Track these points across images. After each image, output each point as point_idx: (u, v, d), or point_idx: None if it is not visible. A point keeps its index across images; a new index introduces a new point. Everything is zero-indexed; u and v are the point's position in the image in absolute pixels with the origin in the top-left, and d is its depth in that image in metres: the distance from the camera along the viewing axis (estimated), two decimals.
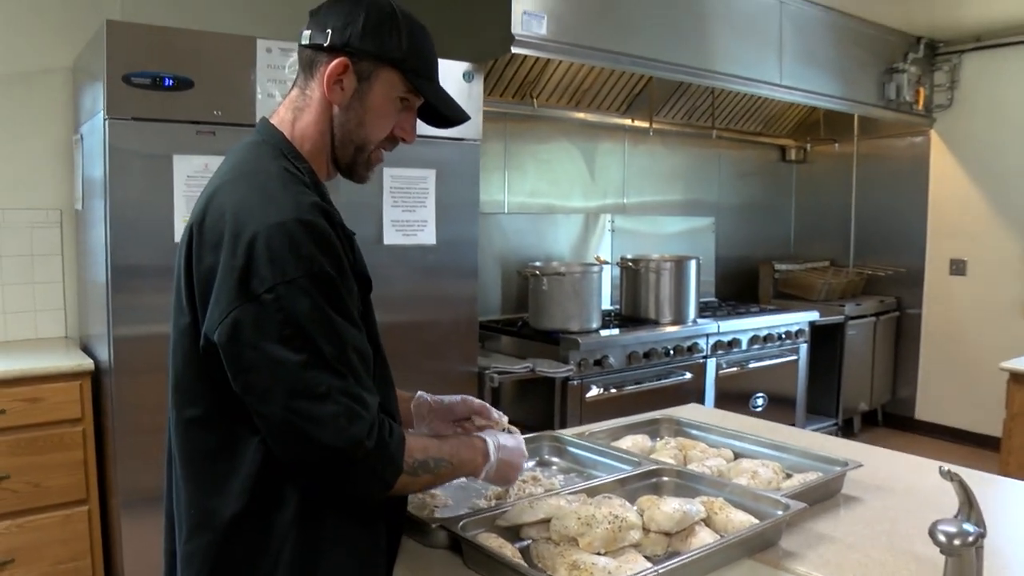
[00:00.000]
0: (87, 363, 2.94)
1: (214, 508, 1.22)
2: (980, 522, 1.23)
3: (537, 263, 4.16)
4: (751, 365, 4.57)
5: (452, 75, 3.33)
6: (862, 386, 5.59)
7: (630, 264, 4.39)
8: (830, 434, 5.11)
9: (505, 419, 1.59)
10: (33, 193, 3.40)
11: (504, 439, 1.44)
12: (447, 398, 1.59)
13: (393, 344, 3.25)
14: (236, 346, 1.10)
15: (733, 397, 4.48)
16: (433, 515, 1.52)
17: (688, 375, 4.22)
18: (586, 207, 4.93)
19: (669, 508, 1.46)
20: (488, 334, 4.16)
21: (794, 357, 4.84)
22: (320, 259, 1.11)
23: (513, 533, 1.47)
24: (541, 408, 3.84)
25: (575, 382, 3.77)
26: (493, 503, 1.63)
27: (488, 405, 1.59)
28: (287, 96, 1.32)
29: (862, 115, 5.37)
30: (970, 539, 1.14)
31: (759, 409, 4.61)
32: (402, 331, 3.31)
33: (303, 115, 1.28)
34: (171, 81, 2.66)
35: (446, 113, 1.32)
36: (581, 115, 4.64)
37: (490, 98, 4.19)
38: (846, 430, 5.59)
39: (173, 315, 1.25)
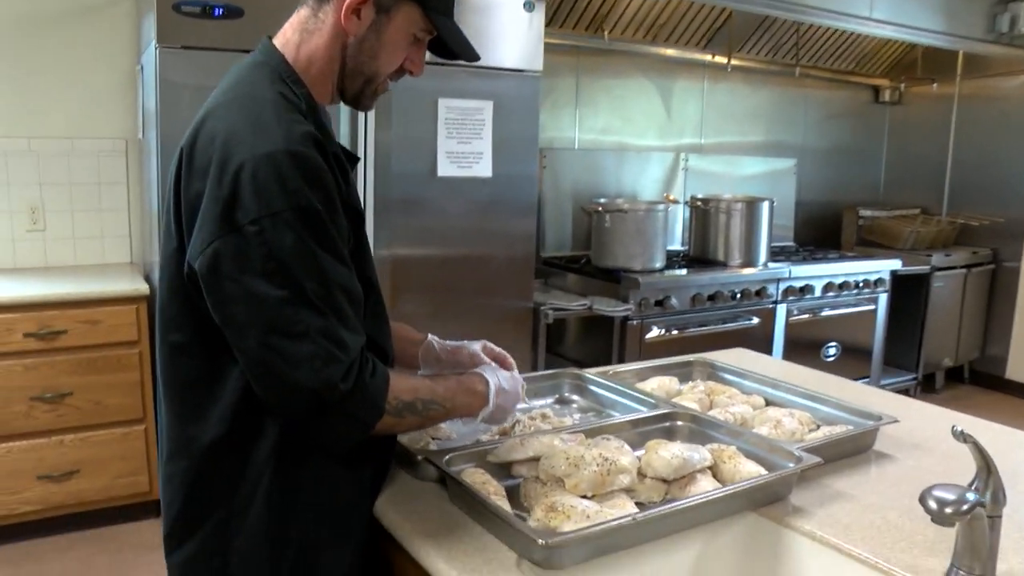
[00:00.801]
0: (143, 288, 2.99)
1: (193, 435, 1.21)
2: (999, 491, 1.09)
3: (602, 200, 4.03)
4: (824, 313, 4.35)
5: (511, 4, 3.20)
6: (947, 341, 5.28)
7: (700, 204, 4.21)
8: (908, 389, 4.88)
9: (510, 360, 1.52)
10: (100, 123, 3.46)
11: (504, 381, 1.38)
12: (457, 344, 1.53)
13: (446, 278, 3.27)
14: (216, 277, 1.07)
15: (804, 345, 4.29)
16: (428, 448, 1.47)
17: (755, 320, 4.05)
18: (661, 146, 4.74)
19: (667, 453, 1.37)
20: (552, 271, 4.08)
21: (872, 307, 4.60)
22: (308, 193, 1.06)
23: (505, 471, 1.41)
24: (599, 348, 3.76)
25: (634, 322, 3.66)
26: (497, 438, 1.56)
27: (504, 353, 1.52)
28: (295, 15, 1.26)
29: (967, 52, 4.97)
30: (964, 508, 1.00)
31: (831, 359, 4.41)
32: (456, 265, 3.26)
33: (311, 39, 1.22)
34: (221, 10, 2.63)
35: (456, 51, 1.26)
36: (657, 50, 4.43)
37: (559, 30, 4.03)
38: (926, 386, 5.31)
39: (163, 239, 1.21)
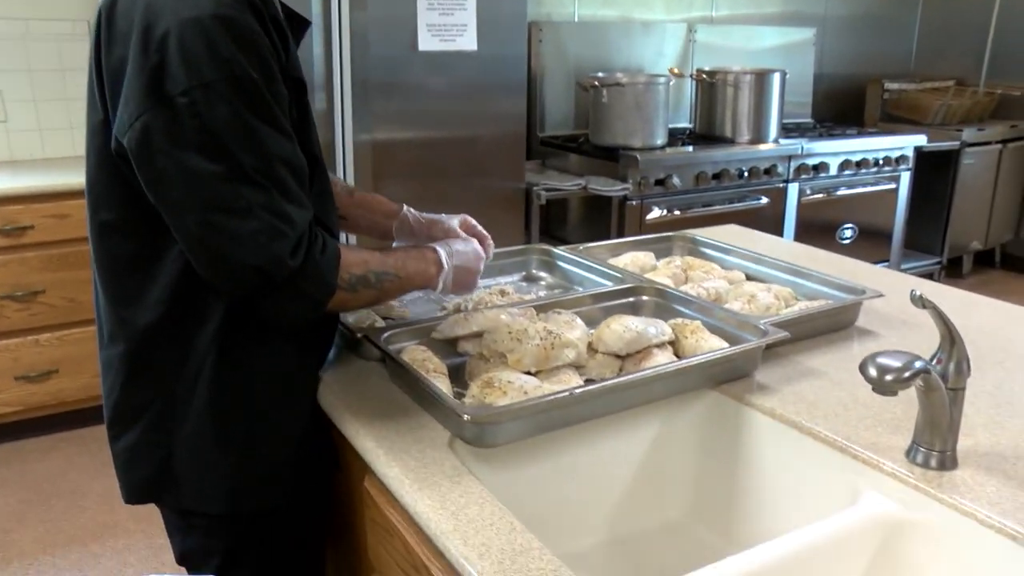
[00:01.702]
0: None
1: (129, 317, 1.18)
2: (963, 361, 1.04)
3: (600, 74, 3.89)
4: (840, 193, 4.24)
5: None
6: (976, 222, 5.14)
7: (706, 77, 4.06)
8: (931, 274, 4.80)
9: (488, 240, 1.49)
10: (58, 2, 3.33)
11: (458, 244, 1.36)
12: (434, 217, 1.50)
13: (432, 162, 3.20)
14: (147, 153, 1.03)
15: (817, 227, 4.20)
16: (375, 326, 1.44)
17: (764, 200, 3.96)
18: (668, 18, 4.56)
19: (620, 326, 1.33)
20: (550, 151, 4.00)
21: (893, 186, 4.47)
22: (241, 60, 1.02)
23: (452, 348, 1.39)
24: (597, 232, 3.70)
25: (634, 202, 3.59)
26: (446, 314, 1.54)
27: (484, 232, 1.49)
28: None
29: None
30: (907, 375, 0.95)
31: (847, 242, 4.32)
32: (441, 148, 3.20)
33: None
34: None
35: None
36: None
37: None
38: (952, 271, 5.21)
39: (87, 110, 1.16)
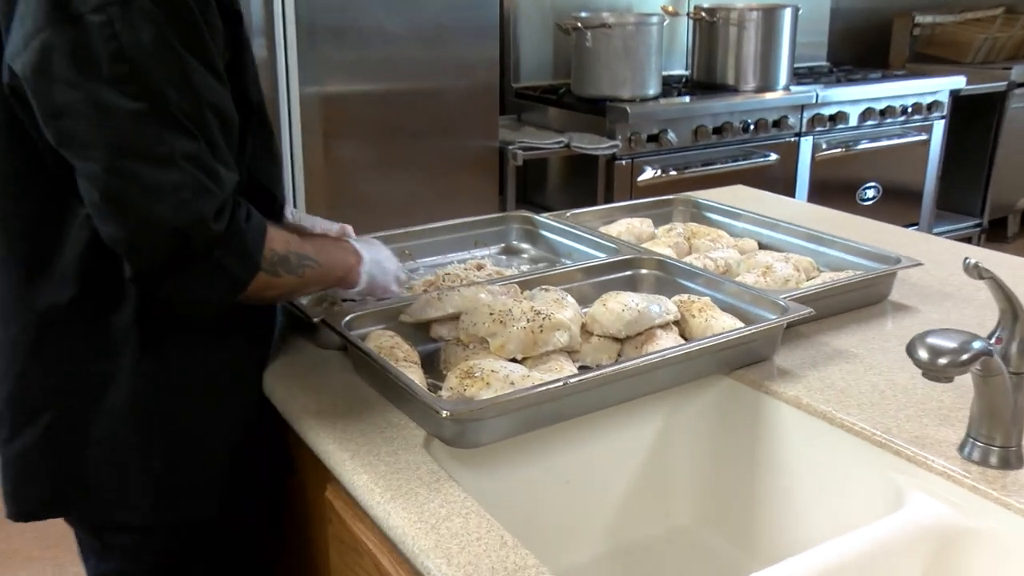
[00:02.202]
0: None
1: (28, 294, 1.15)
2: None
3: (583, 13, 3.87)
4: (861, 147, 4.25)
5: None
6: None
7: (705, 16, 4.05)
8: (969, 238, 4.83)
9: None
10: None
11: (364, 243, 1.36)
12: (311, 219, 1.48)
13: (390, 118, 3.17)
14: (46, 81, 0.97)
15: (834, 187, 4.21)
16: (331, 309, 1.43)
17: (773, 157, 3.97)
18: None
19: (618, 305, 1.33)
20: (527, 104, 3.97)
21: (924, 137, 4.47)
22: None
23: (423, 333, 1.38)
24: (583, 196, 3.68)
25: (623, 162, 3.59)
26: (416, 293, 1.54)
27: (349, 229, 1.48)
28: None
29: None
30: (965, 358, 0.93)
31: (869, 203, 4.34)
32: (402, 102, 3.16)
33: None
34: None
35: None
36: None
37: None
38: (994, 234, 5.22)
39: None
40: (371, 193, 3.13)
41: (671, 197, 2.04)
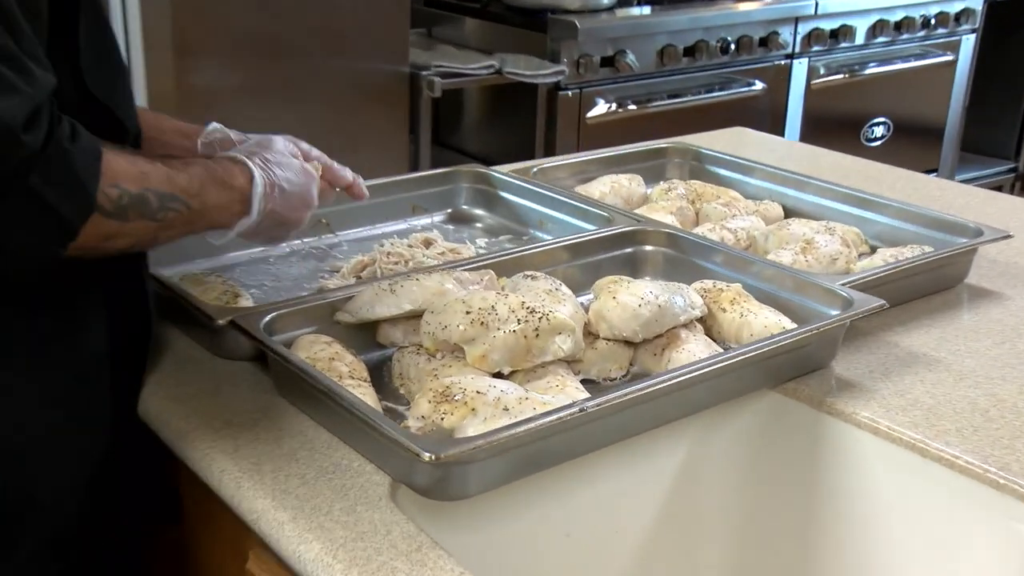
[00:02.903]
0: None
1: None
2: None
3: None
4: (870, 70, 4.29)
5: None
6: None
7: None
8: (1000, 186, 4.93)
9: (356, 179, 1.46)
10: None
11: (283, 171, 1.29)
12: (261, 138, 1.43)
13: (264, 32, 3.08)
14: None
15: (834, 123, 4.27)
16: (234, 302, 1.40)
17: (759, 85, 3.99)
18: None
19: (632, 298, 1.31)
20: (441, 16, 3.92)
21: (949, 57, 4.53)
22: None
23: (368, 335, 1.36)
24: (517, 137, 3.68)
25: (570, 92, 3.57)
26: (351, 281, 1.53)
27: (327, 159, 1.43)
28: None
29: None
30: None
31: (876, 144, 4.40)
32: (292, 16, 3.08)
33: None
34: None
35: None
36: None
37: None
38: None
39: None
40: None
41: (664, 144, 2.03)
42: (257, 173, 1.24)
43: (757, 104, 4.02)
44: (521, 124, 3.67)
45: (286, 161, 1.29)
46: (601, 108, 3.66)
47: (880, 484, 1.23)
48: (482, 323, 1.23)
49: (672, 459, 1.28)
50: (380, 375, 1.32)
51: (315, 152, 1.42)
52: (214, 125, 1.44)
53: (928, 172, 4.43)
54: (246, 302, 1.41)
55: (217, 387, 1.29)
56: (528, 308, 1.25)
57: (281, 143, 1.36)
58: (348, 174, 1.42)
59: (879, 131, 4.42)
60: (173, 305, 1.36)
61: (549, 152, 3.57)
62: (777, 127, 4.05)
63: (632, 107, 3.71)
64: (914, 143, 4.56)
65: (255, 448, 1.16)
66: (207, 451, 1.16)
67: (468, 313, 1.24)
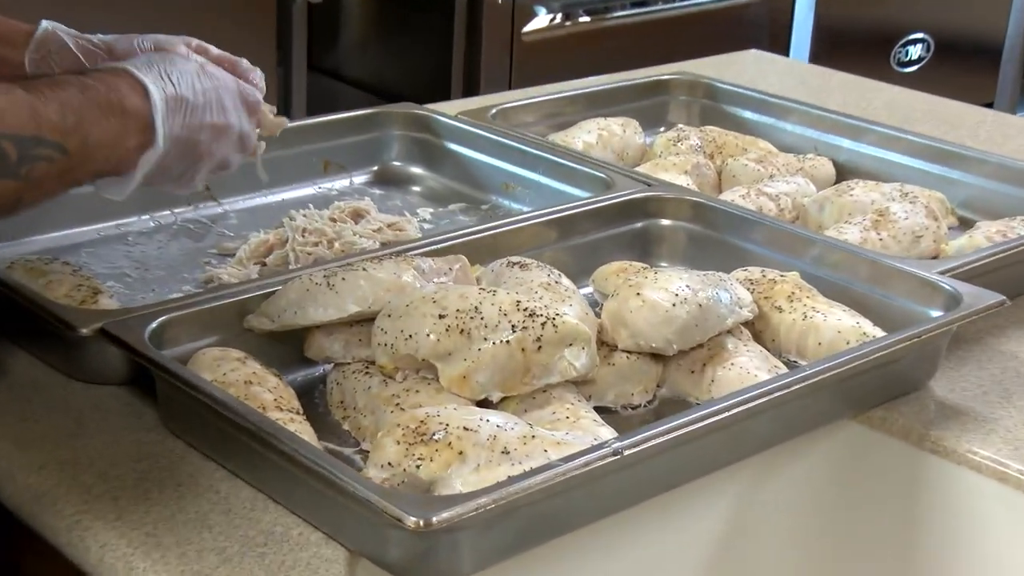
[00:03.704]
0: None
1: None
2: None
3: None
4: None
5: None
6: None
7: None
8: None
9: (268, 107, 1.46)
10: None
11: (187, 77, 1.30)
12: (111, 38, 1.43)
13: None
14: None
15: (855, 41, 4.35)
16: (94, 302, 1.39)
17: None
18: None
19: (662, 295, 1.32)
20: None
21: None
22: None
23: (293, 347, 1.36)
24: (421, 61, 3.74)
25: None
26: (253, 269, 1.54)
27: (232, 58, 1.44)
28: None
29: None
30: None
31: (912, 68, 4.48)
32: None
33: None
34: None
35: None
36: None
37: None
38: None
39: None
40: None
41: (664, 76, 2.07)
42: (150, 84, 1.23)
43: (752, 16, 4.08)
44: (430, 46, 3.71)
45: (180, 64, 1.29)
46: (542, 20, 3.69)
47: (1006, 546, 1.24)
48: (462, 331, 1.24)
49: (720, 512, 1.30)
50: (310, 403, 1.32)
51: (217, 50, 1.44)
52: (47, 24, 1.44)
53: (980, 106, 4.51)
54: (109, 301, 1.40)
55: (80, 424, 1.28)
56: (525, 310, 1.25)
57: (181, 45, 1.39)
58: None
59: (915, 52, 4.50)
60: (5, 308, 1.36)
61: (470, 83, 3.61)
62: (778, 46, 4.09)
63: (584, 19, 3.76)
64: (962, 68, 4.65)
65: (147, 512, 1.14)
66: (77, 517, 1.14)
67: (442, 317, 1.24)
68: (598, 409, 1.29)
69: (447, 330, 1.24)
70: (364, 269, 1.34)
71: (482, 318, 1.24)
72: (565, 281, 1.38)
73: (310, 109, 3.49)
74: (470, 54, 3.61)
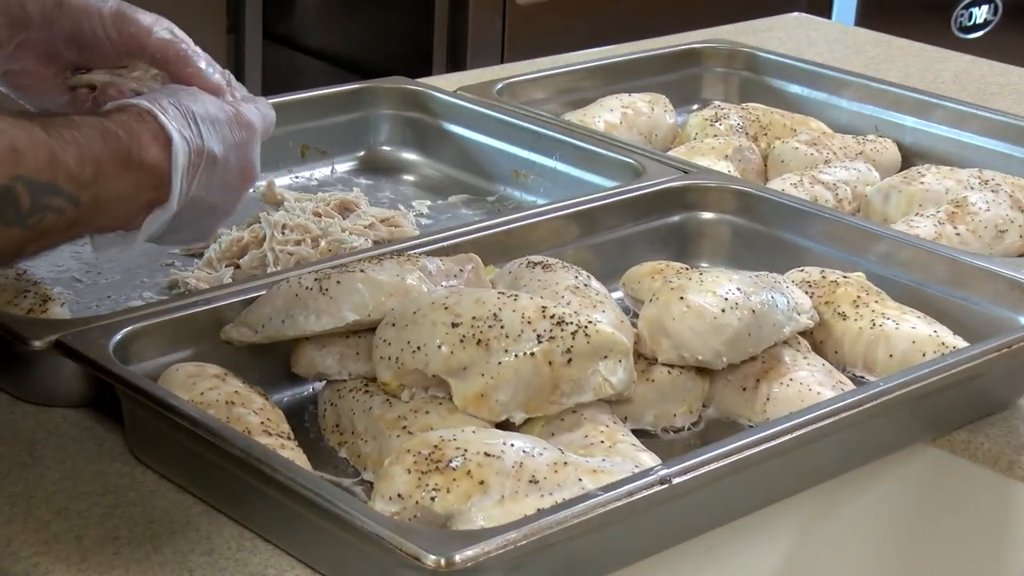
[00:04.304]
0: None
1: None
2: None
3: None
4: None
5: None
6: None
7: None
8: None
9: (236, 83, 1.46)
10: None
11: (203, 101, 1.32)
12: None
13: None
14: None
15: (909, 2, 4.39)
16: (42, 311, 1.42)
17: None
18: None
19: (709, 299, 1.34)
20: None
21: None
22: None
23: (277, 362, 1.38)
24: (399, 27, 3.76)
25: None
26: (225, 272, 1.55)
27: (192, 49, 1.44)
28: None
29: None
30: None
31: (975, 35, 4.50)
32: None
33: None
34: None
35: None
36: None
37: None
38: None
39: None
40: None
41: (696, 44, 2.10)
42: (175, 135, 1.25)
43: None
44: (403, 14, 3.73)
45: (212, 108, 1.31)
46: None
47: None
48: (479, 342, 1.25)
49: (780, 549, 1.32)
50: (300, 426, 1.33)
51: (163, 38, 1.42)
52: None
53: None
54: (61, 310, 1.42)
55: (32, 453, 1.29)
56: (553, 317, 1.27)
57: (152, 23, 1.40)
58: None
59: (980, 14, 4.53)
60: None
61: (455, 55, 3.63)
62: (819, 6, 4.10)
63: None
64: None
65: (116, 553, 1.15)
66: (35, 560, 1.15)
67: (455, 326, 1.25)
68: (635, 432, 1.30)
69: (462, 341, 1.25)
70: (362, 271, 1.35)
71: (502, 327, 1.25)
72: (595, 284, 1.39)
73: (266, 85, 3.50)
74: (455, 22, 3.62)
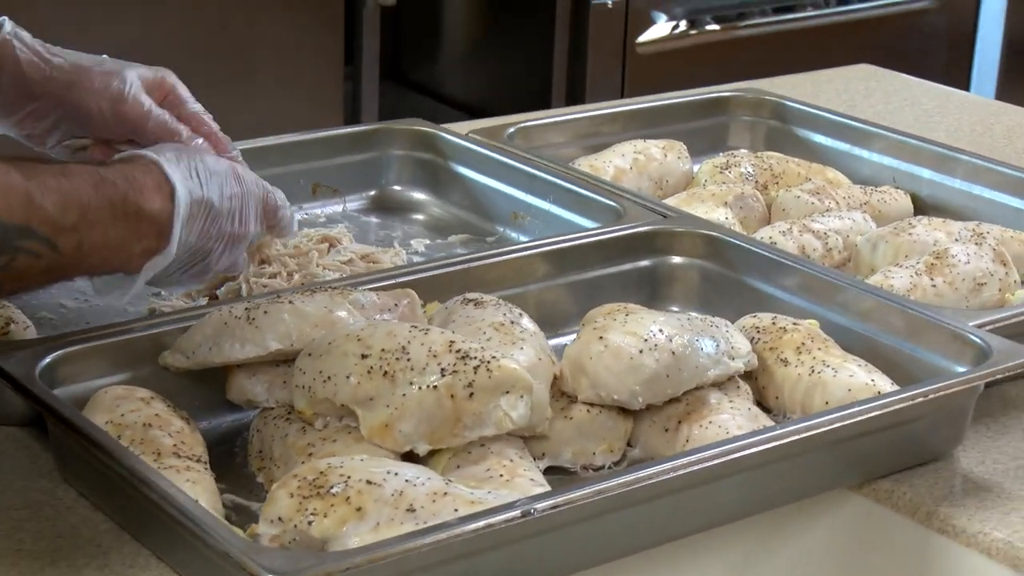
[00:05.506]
0: None
1: None
2: None
3: None
4: None
5: None
6: None
7: None
8: None
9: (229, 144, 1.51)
10: None
11: (206, 158, 1.36)
12: (80, 57, 1.48)
13: None
14: None
15: None
16: (4, 332, 1.44)
17: None
18: None
19: (628, 339, 1.35)
20: None
21: None
22: None
23: (213, 389, 1.40)
24: (522, 72, 3.78)
25: (609, 0, 3.60)
26: (202, 302, 1.57)
27: (191, 102, 1.49)
28: None
29: None
30: None
31: None
32: None
33: None
34: None
35: None
36: None
37: None
38: None
39: None
40: None
41: (726, 93, 2.09)
42: (179, 185, 1.29)
43: (923, 26, 4.08)
44: (531, 53, 3.73)
45: (212, 163, 1.35)
46: (661, 29, 3.73)
47: None
48: (386, 373, 1.26)
49: None
50: (232, 452, 1.35)
51: (181, 88, 1.48)
52: (9, 24, 1.48)
53: None
54: (23, 332, 1.44)
55: None
56: (458, 352, 1.28)
57: (134, 77, 1.44)
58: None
59: None
60: None
61: (574, 100, 3.62)
62: (959, 63, 4.06)
63: (713, 27, 3.79)
64: None
65: (15, 564, 1.18)
66: None
67: (365, 358, 1.27)
68: (555, 470, 1.31)
69: (369, 372, 1.26)
70: (290, 302, 1.37)
71: (408, 359, 1.27)
72: (526, 322, 1.39)
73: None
74: (574, 68, 3.64)
